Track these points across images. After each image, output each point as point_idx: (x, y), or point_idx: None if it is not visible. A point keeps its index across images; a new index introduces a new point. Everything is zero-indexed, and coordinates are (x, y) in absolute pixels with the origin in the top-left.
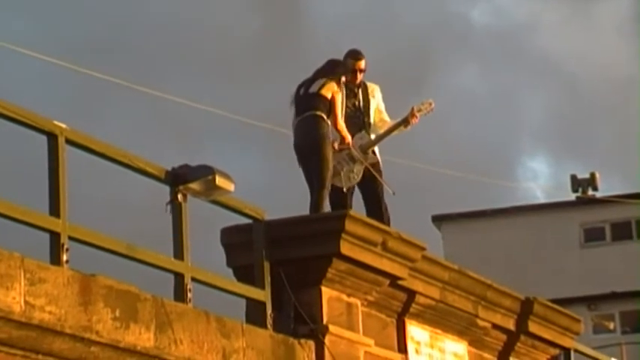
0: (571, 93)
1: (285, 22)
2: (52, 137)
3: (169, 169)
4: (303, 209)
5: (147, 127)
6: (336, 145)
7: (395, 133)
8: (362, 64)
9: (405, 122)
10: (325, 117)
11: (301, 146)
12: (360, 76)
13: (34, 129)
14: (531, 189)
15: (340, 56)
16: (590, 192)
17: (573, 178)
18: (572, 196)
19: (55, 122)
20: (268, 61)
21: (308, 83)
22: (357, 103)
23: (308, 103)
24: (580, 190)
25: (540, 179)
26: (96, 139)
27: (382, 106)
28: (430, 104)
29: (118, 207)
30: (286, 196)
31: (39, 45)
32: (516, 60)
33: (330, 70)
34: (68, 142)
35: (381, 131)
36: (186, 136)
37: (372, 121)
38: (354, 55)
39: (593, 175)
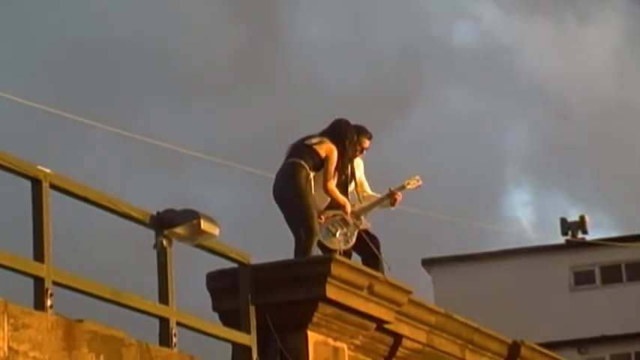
0: (558, 118)
1: (265, 43)
2: (36, 182)
3: (154, 213)
4: (290, 246)
5: (126, 161)
6: (322, 216)
7: (383, 204)
8: (369, 143)
9: (392, 200)
10: (307, 167)
11: (276, 192)
12: (361, 154)
13: (18, 174)
14: (520, 228)
15: (323, 81)
16: (580, 235)
17: (563, 221)
18: (562, 240)
19: (39, 167)
20: (248, 84)
21: (308, 137)
22: (346, 173)
23: (295, 152)
24: (570, 233)
25: (527, 209)
26: (80, 184)
27: (364, 179)
28: (417, 181)
29: (103, 240)
30: (273, 232)
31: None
32: (501, 83)
33: (335, 135)
34: (52, 187)
35: (368, 203)
36: (169, 167)
37: (351, 190)
38: (367, 134)
39: (582, 217)
